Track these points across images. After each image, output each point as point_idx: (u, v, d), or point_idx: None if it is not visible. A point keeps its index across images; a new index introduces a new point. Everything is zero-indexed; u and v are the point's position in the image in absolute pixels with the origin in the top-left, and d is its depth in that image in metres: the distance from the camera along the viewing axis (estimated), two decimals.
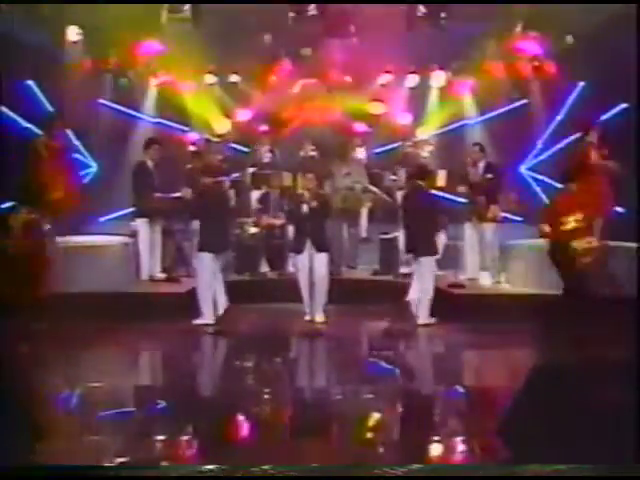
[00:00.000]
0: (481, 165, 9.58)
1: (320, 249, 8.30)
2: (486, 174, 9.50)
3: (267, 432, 5.13)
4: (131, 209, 9.97)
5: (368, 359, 7.72)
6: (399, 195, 10.44)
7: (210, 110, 12.09)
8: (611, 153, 8.93)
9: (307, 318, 8.32)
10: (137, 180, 9.63)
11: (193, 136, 11.79)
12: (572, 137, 9.86)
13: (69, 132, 10.53)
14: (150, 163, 9.64)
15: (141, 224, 9.60)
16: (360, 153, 11.09)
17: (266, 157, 11.07)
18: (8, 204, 8.48)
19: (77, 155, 11.18)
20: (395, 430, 5.33)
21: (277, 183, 10.50)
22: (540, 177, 11.47)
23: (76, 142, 11.10)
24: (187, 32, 10.08)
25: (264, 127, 11.79)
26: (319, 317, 8.30)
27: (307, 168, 8.92)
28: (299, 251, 8.35)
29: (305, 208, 8.29)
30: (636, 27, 8.43)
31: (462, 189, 9.67)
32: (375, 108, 12.25)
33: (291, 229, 8.87)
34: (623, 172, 8.54)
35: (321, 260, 8.29)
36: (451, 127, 12.25)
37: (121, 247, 9.52)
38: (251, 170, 10.76)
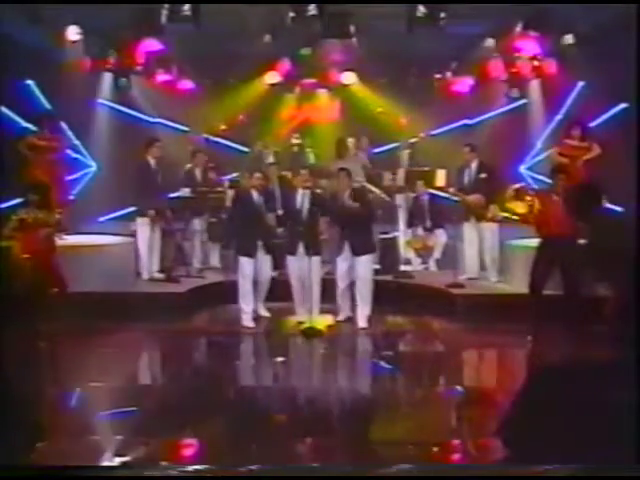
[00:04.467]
0: (473, 165, 9.58)
1: (317, 253, 8.13)
2: (479, 174, 9.50)
3: (264, 432, 5.14)
4: (131, 209, 9.95)
5: (367, 359, 7.72)
6: (400, 196, 10.51)
7: (210, 110, 12.09)
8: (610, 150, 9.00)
9: (305, 318, 8.28)
10: (140, 179, 9.57)
11: (193, 136, 11.79)
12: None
13: (68, 132, 10.57)
14: (152, 162, 9.61)
15: (142, 224, 9.58)
16: (359, 153, 11.07)
17: (266, 157, 11.06)
18: (16, 201, 8.45)
19: (77, 155, 11.22)
20: (394, 430, 5.33)
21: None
22: (539, 177, 11.46)
23: (76, 142, 11.12)
24: (187, 32, 10.07)
25: (264, 127, 11.79)
26: (316, 317, 8.25)
27: (297, 163, 8.73)
28: (292, 253, 8.23)
29: (303, 209, 8.14)
30: (636, 27, 8.42)
31: (455, 190, 9.67)
32: (374, 108, 12.25)
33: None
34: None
35: (317, 264, 8.14)
36: (451, 127, 12.25)
37: (121, 247, 9.52)
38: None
